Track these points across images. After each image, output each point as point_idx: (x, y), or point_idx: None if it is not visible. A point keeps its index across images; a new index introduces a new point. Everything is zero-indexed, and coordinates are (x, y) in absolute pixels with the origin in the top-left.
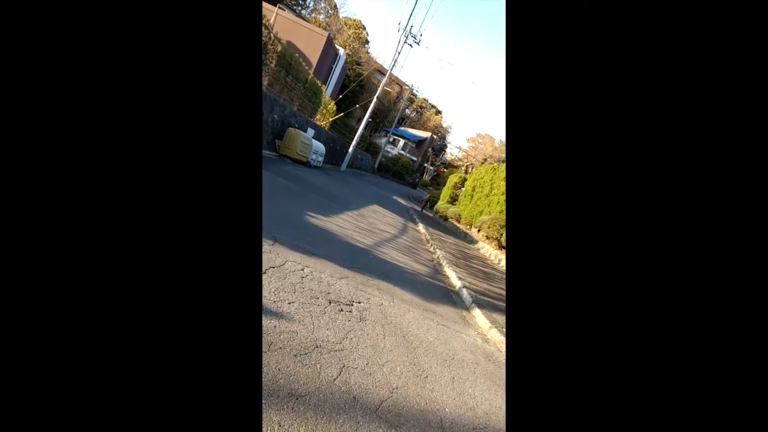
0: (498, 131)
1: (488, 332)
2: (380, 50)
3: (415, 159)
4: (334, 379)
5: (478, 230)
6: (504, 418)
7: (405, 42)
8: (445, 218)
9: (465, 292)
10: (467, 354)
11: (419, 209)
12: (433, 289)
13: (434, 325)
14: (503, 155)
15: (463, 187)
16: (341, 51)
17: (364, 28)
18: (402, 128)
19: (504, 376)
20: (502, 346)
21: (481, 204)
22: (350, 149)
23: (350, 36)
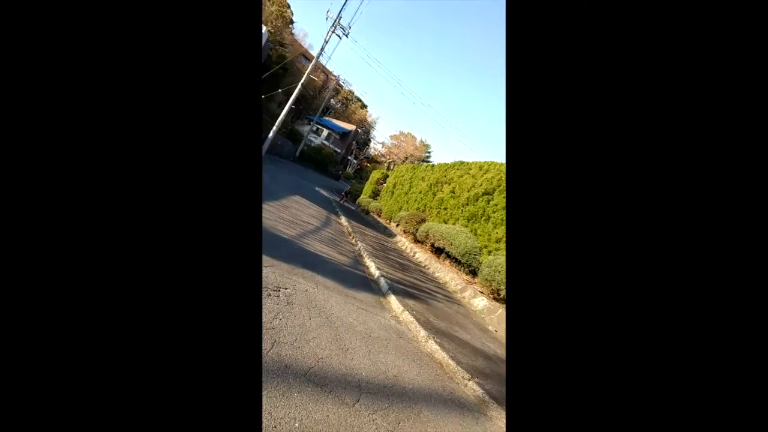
0: (419, 131)
1: (401, 315)
2: (306, 33)
3: (339, 151)
4: (267, 352)
5: (397, 225)
6: (409, 381)
7: (333, 32)
8: (367, 212)
9: (382, 281)
10: (382, 332)
11: (340, 201)
12: (353, 278)
13: (354, 309)
14: (423, 155)
15: (385, 183)
16: (263, 28)
17: (289, 7)
18: (327, 118)
19: (412, 350)
20: (412, 326)
21: (401, 200)
22: (270, 134)
23: (273, 13)
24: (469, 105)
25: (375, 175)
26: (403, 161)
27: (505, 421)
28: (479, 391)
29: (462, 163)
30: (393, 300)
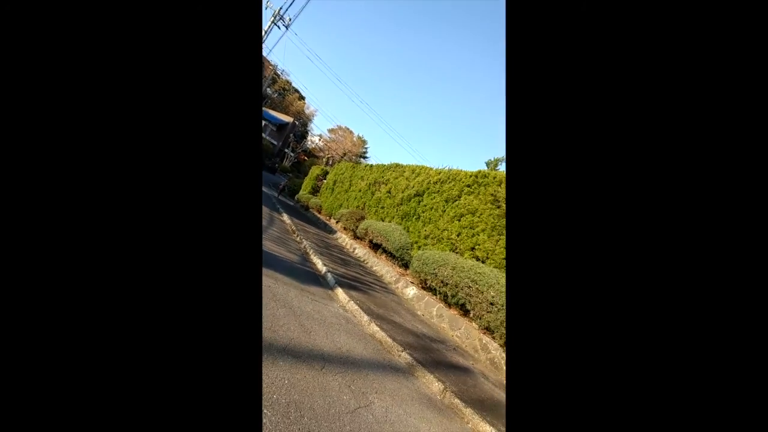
0: (356, 127)
1: (347, 304)
2: None
3: (275, 143)
4: None
5: (337, 221)
6: (358, 354)
7: (273, 22)
8: (306, 208)
9: (329, 276)
10: (334, 319)
11: (277, 195)
12: (305, 274)
13: (310, 300)
14: (361, 150)
15: (325, 179)
16: None
17: None
18: (263, 108)
19: (358, 332)
20: (357, 313)
21: (341, 198)
22: None
23: None
24: (406, 109)
25: (314, 170)
26: (342, 157)
27: (426, 377)
28: (409, 359)
29: (398, 165)
30: (340, 292)
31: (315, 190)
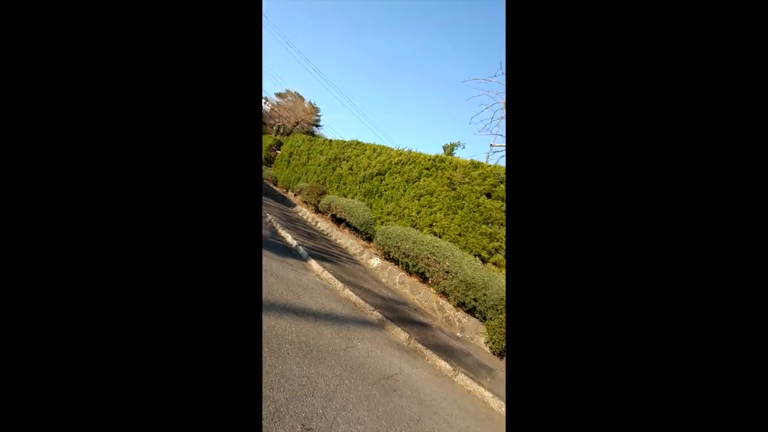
0: (307, 93)
1: (322, 273)
2: None
3: None
4: None
5: (296, 194)
6: (339, 313)
7: None
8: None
9: (301, 249)
10: (313, 285)
11: None
12: (279, 247)
13: (291, 270)
14: (314, 118)
15: (279, 150)
16: None
17: None
18: None
19: (335, 296)
20: (332, 281)
21: (299, 171)
22: None
23: None
24: (361, 81)
25: (266, 140)
26: (294, 125)
27: (394, 329)
28: (380, 316)
29: (358, 143)
30: (313, 263)
31: (268, 161)
